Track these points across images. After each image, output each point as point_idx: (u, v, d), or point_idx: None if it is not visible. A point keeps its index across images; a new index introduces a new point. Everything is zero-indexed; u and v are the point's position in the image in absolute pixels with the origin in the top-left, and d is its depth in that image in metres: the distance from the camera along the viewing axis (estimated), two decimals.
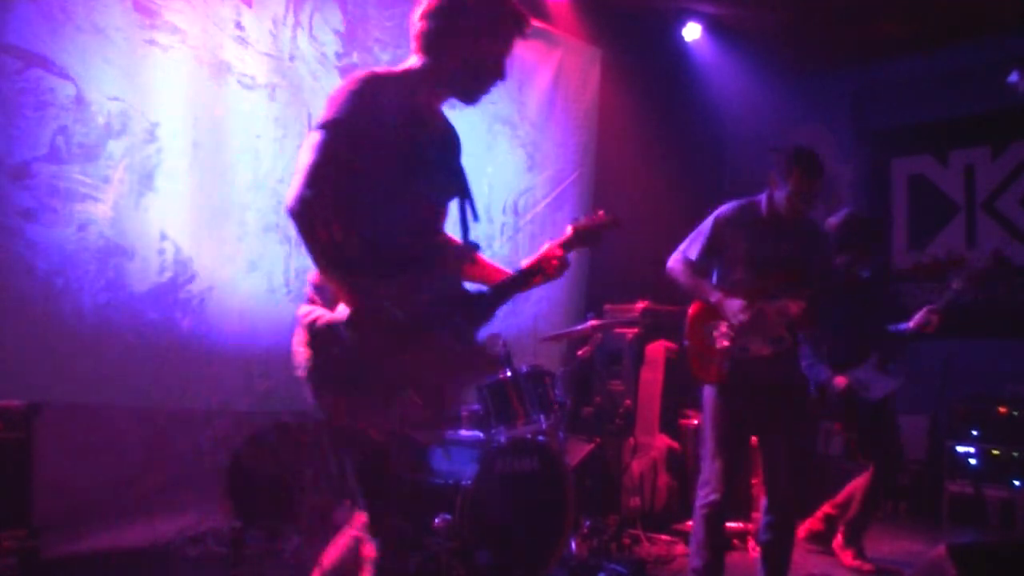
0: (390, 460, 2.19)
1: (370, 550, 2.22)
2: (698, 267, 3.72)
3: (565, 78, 6.78)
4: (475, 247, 2.33)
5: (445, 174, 2.30)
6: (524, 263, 2.45)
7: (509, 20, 2.27)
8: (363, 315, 2.04)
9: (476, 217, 2.37)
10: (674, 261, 3.78)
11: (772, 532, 3.63)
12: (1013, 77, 6.43)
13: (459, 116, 5.51)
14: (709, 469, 3.58)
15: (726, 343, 3.59)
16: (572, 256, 2.44)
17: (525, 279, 2.43)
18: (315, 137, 2.08)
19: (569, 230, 2.53)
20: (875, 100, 7.50)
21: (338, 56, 5.39)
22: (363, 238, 2.11)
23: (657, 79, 7.19)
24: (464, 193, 2.34)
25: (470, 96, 2.34)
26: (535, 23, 6.50)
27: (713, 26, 6.95)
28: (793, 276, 3.60)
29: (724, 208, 3.74)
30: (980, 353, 6.39)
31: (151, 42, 4.53)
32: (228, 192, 4.92)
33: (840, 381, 4.38)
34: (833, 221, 4.60)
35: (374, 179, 2.14)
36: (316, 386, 2.17)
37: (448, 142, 2.34)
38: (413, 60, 2.28)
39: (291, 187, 2.07)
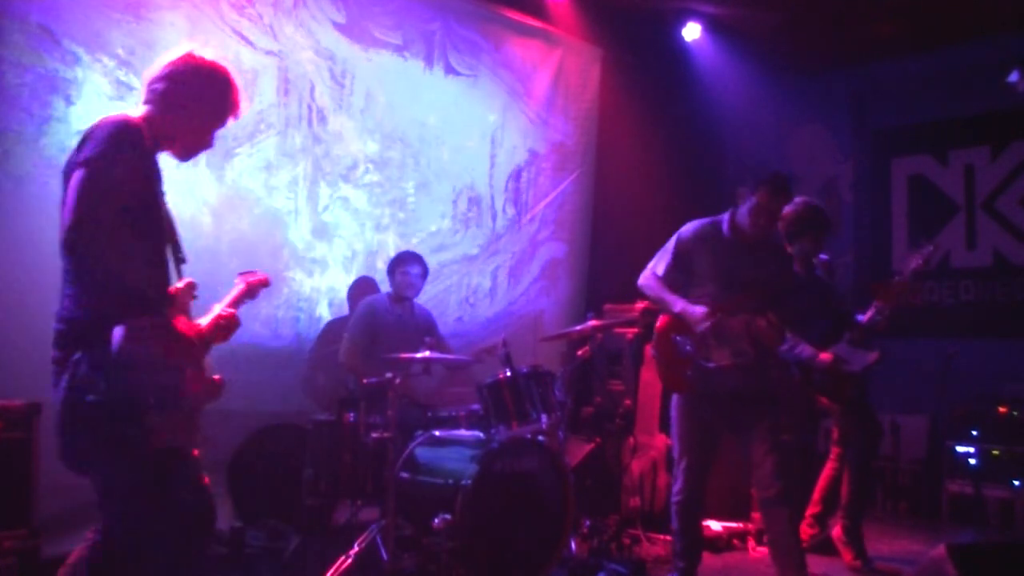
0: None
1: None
2: (666, 282, 3.90)
3: (565, 78, 6.78)
4: (195, 286, 2.56)
5: (165, 217, 2.53)
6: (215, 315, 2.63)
7: (230, 104, 2.59)
8: (148, 332, 2.22)
9: (184, 258, 2.60)
10: (644, 277, 3.99)
11: (768, 528, 3.75)
12: (1013, 77, 6.43)
13: (460, 116, 5.57)
14: (677, 469, 3.87)
15: (689, 350, 3.76)
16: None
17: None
18: (82, 173, 2.21)
19: (242, 284, 2.81)
20: (875, 100, 7.50)
21: (336, 52, 5.41)
22: (131, 271, 2.27)
23: (657, 79, 7.19)
24: (173, 235, 2.57)
25: (184, 156, 2.63)
26: (535, 23, 6.56)
27: (713, 26, 6.95)
28: (757, 293, 3.74)
29: (687, 227, 3.93)
30: (980, 353, 6.39)
31: (153, 27, 4.53)
32: (230, 184, 4.93)
33: (825, 356, 4.41)
34: (788, 210, 4.63)
35: (131, 217, 2.29)
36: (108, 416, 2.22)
37: (162, 191, 2.54)
38: (144, 111, 2.49)
39: (65, 222, 2.19)
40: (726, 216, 3.87)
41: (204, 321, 2.57)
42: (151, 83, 2.51)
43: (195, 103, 2.51)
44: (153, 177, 2.45)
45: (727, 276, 3.78)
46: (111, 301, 2.23)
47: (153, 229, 2.43)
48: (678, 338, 3.82)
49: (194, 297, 2.55)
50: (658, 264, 3.94)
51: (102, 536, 2.37)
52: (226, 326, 2.62)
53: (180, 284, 2.53)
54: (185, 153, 2.61)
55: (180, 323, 2.41)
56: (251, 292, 2.83)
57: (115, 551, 2.33)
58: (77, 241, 2.19)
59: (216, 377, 2.52)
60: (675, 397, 3.91)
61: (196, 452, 2.45)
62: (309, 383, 5.28)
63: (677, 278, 3.91)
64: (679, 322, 3.82)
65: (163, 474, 2.31)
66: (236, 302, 2.73)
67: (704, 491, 3.88)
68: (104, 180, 2.21)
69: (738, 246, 3.81)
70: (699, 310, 3.73)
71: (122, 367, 2.18)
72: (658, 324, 3.95)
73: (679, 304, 3.81)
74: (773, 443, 3.69)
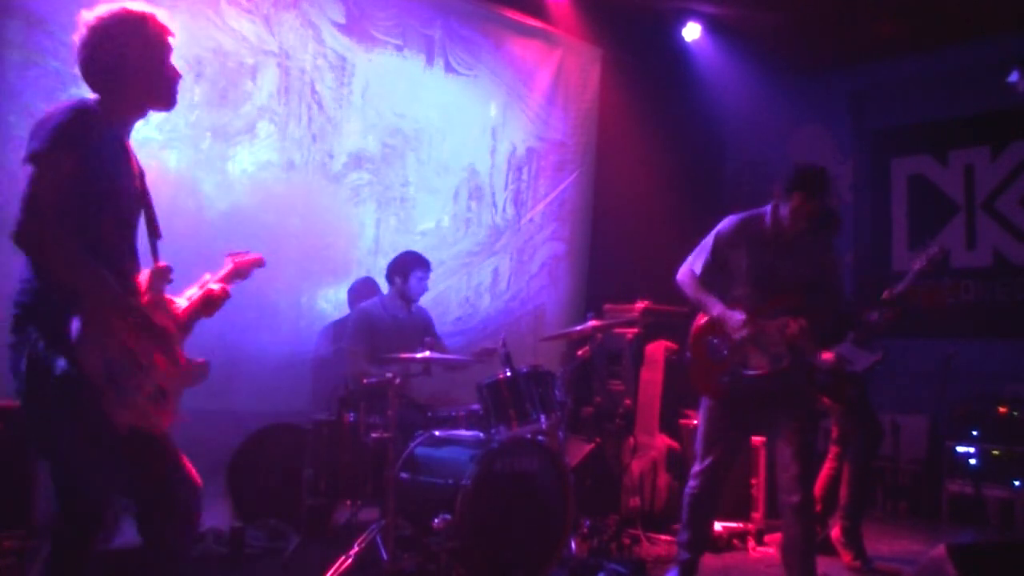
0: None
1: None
2: (704, 280, 3.78)
3: (565, 78, 6.78)
4: (169, 269, 2.49)
5: (137, 202, 2.46)
6: (194, 295, 2.59)
7: (158, 34, 2.46)
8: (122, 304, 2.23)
9: (160, 235, 2.55)
10: (682, 273, 3.86)
11: (784, 530, 3.68)
12: (1013, 77, 6.43)
13: (460, 114, 5.54)
14: (699, 465, 3.79)
15: (726, 355, 3.68)
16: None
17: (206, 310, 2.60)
18: (30, 170, 2.19)
19: (230, 264, 2.73)
20: (874, 100, 7.51)
21: (336, 50, 5.40)
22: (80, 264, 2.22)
23: (657, 79, 7.20)
24: (150, 217, 2.51)
25: (164, 105, 2.52)
26: (535, 23, 6.57)
27: (713, 26, 6.95)
28: (797, 293, 3.63)
29: (725, 223, 3.78)
30: (980, 353, 6.39)
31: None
32: (230, 181, 4.93)
33: (828, 356, 4.41)
34: None
35: (87, 206, 2.26)
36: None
37: (136, 174, 2.46)
38: (94, 95, 2.41)
39: (18, 219, 2.16)
40: (768, 209, 3.72)
41: (184, 300, 2.53)
42: (79, 67, 2.44)
43: (126, 62, 2.39)
44: (113, 156, 2.36)
45: (765, 276, 3.67)
46: (63, 290, 2.20)
47: (114, 208, 2.35)
48: (715, 341, 3.73)
49: (169, 280, 2.49)
50: (696, 261, 3.80)
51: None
52: (215, 302, 2.58)
53: (154, 267, 2.48)
54: (161, 103, 2.50)
55: (149, 308, 2.36)
56: (240, 272, 2.75)
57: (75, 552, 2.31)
58: (26, 241, 2.17)
59: (200, 360, 2.46)
60: (705, 400, 3.82)
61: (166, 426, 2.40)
62: (309, 383, 5.28)
63: (714, 277, 3.79)
64: (716, 325, 3.72)
65: (132, 455, 2.28)
66: (224, 281, 2.68)
67: (721, 490, 3.83)
68: (50, 178, 2.17)
69: (779, 243, 3.68)
70: (738, 316, 3.62)
71: (77, 348, 2.15)
72: (694, 326, 3.86)
73: (717, 307, 3.69)
74: (800, 447, 3.60)
